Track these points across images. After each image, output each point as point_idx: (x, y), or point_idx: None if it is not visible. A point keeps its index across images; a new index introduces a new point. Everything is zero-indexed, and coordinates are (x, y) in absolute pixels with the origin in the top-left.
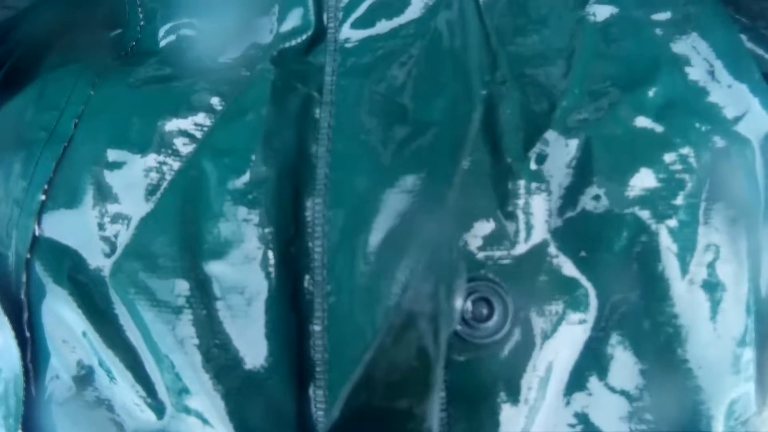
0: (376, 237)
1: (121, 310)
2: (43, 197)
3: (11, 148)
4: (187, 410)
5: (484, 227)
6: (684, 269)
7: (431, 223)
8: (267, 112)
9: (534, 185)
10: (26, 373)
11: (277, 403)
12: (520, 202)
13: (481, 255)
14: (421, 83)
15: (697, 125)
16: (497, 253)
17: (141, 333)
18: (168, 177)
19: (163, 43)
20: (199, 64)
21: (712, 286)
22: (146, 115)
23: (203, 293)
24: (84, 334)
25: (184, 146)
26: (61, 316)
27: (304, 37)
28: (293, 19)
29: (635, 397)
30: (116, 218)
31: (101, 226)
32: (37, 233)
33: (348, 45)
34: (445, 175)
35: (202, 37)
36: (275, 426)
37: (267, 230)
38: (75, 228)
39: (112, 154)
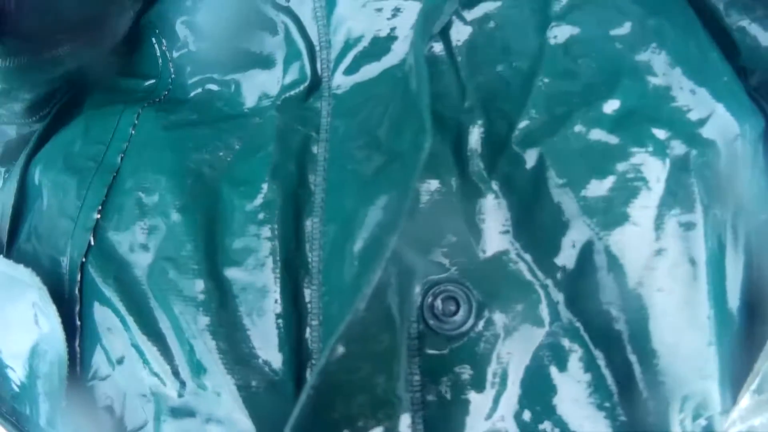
0: (359, 246)
1: (154, 304)
2: (97, 216)
3: (62, 172)
4: (204, 387)
5: (452, 238)
6: (633, 274)
7: (399, 232)
8: (273, 150)
9: (496, 201)
10: (73, 356)
11: (281, 383)
12: (484, 216)
13: (448, 261)
14: (394, 119)
15: (656, 132)
16: (463, 259)
17: (170, 323)
18: (192, 199)
19: (191, 94)
20: (221, 113)
21: (661, 290)
22: (178, 151)
23: (222, 292)
24: (124, 323)
25: (207, 174)
26: (107, 308)
27: (302, 87)
28: (293, 73)
29: (595, 387)
30: (152, 230)
31: (140, 237)
32: (92, 243)
33: (339, 91)
34: (407, 193)
35: (223, 91)
36: (280, 402)
37: (274, 243)
38: (121, 239)
39: (150, 181)
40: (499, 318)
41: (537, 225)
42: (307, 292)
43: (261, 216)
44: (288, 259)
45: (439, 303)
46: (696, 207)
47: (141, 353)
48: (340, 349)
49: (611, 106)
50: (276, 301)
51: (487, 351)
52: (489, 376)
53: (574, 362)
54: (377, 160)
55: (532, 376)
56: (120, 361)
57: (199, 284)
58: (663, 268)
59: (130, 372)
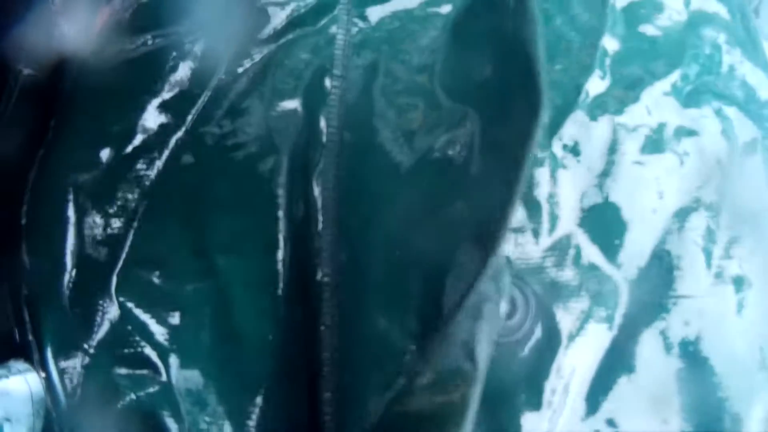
0: (395, 229)
1: (133, 324)
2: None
3: None
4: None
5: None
6: (709, 263)
7: (470, 218)
8: (276, 92)
9: (559, 172)
10: None
11: (288, 401)
12: (544, 190)
13: (506, 249)
14: (449, 64)
15: (725, 113)
16: (522, 247)
17: (157, 345)
18: (157, 166)
19: None
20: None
21: (737, 281)
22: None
23: (218, 291)
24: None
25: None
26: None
27: (311, 3)
28: None
29: (662, 399)
30: (106, 225)
31: (91, 236)
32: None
33: (362, 16)
34: (520, 167)
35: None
36: (288, 422)
37: (280, 213)
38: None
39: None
40: (562, 322)
41: (610, 202)
42: (319, 284)
43: (263, 174)
44: (297, 239)
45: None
46: (764, 194)
47: (125, 388)
48: (414, 399)
49: (680, 78)
50: (282, 298)
51: (546, 363)
52: (547, 394)
53: (643, 369)
54: (425, 113)
55: (599, 387)
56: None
57: (187, 287)
58: (737, 258)
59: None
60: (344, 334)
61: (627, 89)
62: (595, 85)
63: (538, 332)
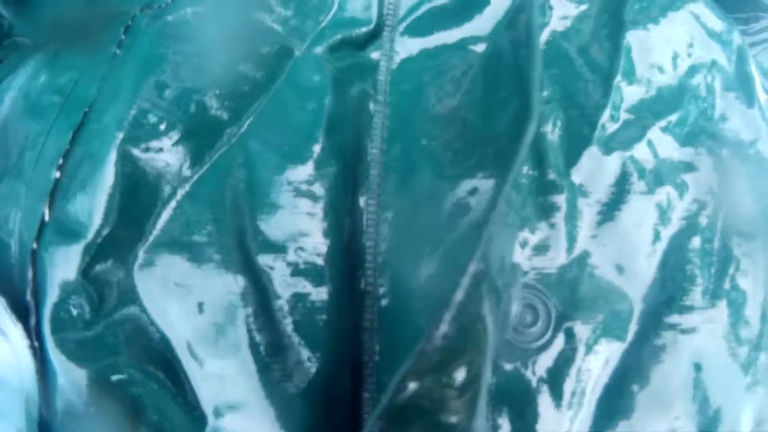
0: (434, 242)
1: (150, 313)
2: (57, 174)
3: (21, 116)
4: (234, 421)
5: (529, 237)
6: (707, 281)
7: (490, 231)
8: (330, 102)
9: (575, 199)
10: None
11: (332, 408)
12: (562, 214)
13: (526, 263)
14: (482, 97)
15: (718, 150)
16: (541, 263)
17: (179, 337)
18: (209, 156)
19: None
20: (241, 23)
21: (733, 296)
22: (180, 79)
23: (259, 291)
24: (105, 339)
25: (225, 119)
26: (74, 318)
27: (364, 29)
28: (354, 7)
29: (669, 405)
30: (146, 199)
31: (127, 209)
32: (46, 218)
33: (404, 47)
34: (504, 181)
35: None
36: (330, 420)
37: (329, 225)
38: (94, 211)
39: (140, 122)
40: (580, 330)
41: (621, 229)
42: (363, 292)
43: (314, 188)
44: (344, 247)
45: (515, 311)
46: (755, 218)
47: (134, 380)
48: (411, 386)
49: (679, 120)
50: (329, 304)
51: (566, 367)
52: (566, 396)
53: (656, 379)
54: (459, 142)
55: (612, 393)
56: (98, 391)
57: (227, 281)
58: (733, 275)
59: (117, 407)
60: (384, 339)
61: (636, 128)
62: (608, 123)
63: (558, 340)
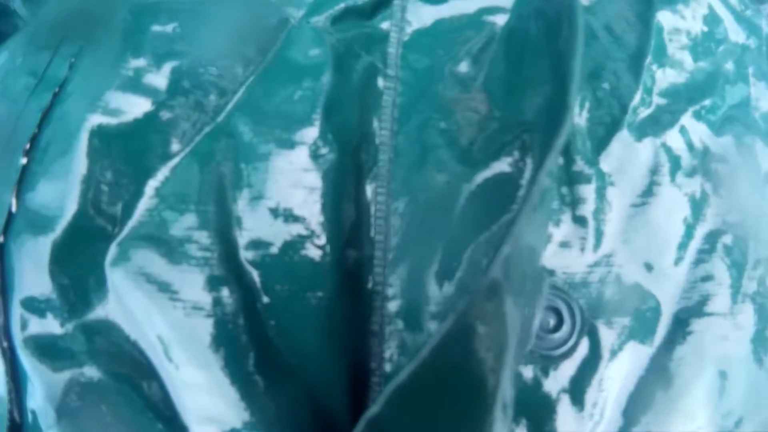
0: (452, 237)
1: (126, 310)
2: (23, 160)
3: None
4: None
5: (553, 232)
6: (736, 284)
7: (515, 228)
8: (329, 79)
9: (604, 190)
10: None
11: (329, 419)
12: (590, 206)
13: (549, 261)
14: (504, 77)
15: (751, 141)
16: (567, 261)
17: (156, 339)
18: (190, 137)
19: None
20: None
21: (761, 299)
22: (160, 53)
23: (243, 291)
24: (76, 339)
25: (210, 98)
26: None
27: None
28: None
29: (693, 412)
30: (119, 187)
31: (99, 198)
32: (13, 209)
33: (417, 16)
34: (539, 174)
35: None
36: (335, 428)
37: (326, 218)
38: (65, 200)
39: (114, 100)
40: (604, 336)
41: (651, 224)
42: (370, 292)
43: (310, 177)
44: (346, 242)
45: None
46: None
47: (108, 389)
48: (419, 392)
49: (713, 107)
50: (327, 304)
51: (589, 376)
52: (588, 407)
53: (678, 386)
54: (480, 123)
55: (637, 402)
56: (70, 401)
57: (209, 279)
58: (762, 277)
59: (89, 420)
60: (393, 344)
61: (668, 114)
62: (638, 105)
63: (582, 346)
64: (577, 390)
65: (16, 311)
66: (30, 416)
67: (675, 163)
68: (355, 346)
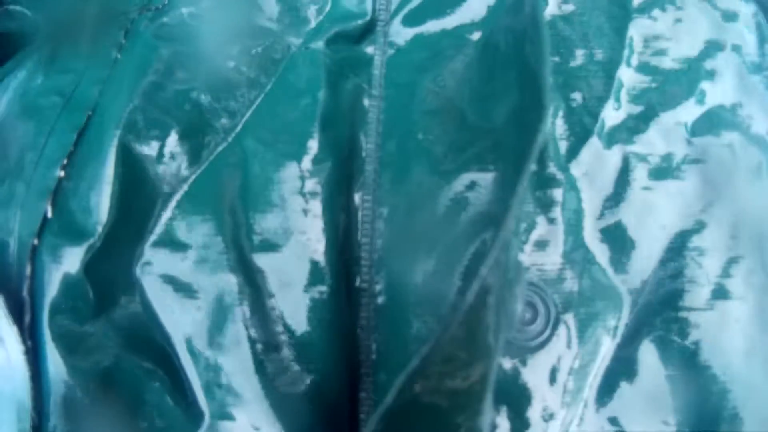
0: (431, 238)
1: (153, 308)
2: (60, 174)
3: (18, 117)
4: (231, 417)
5: (532, 233)
6: (709, 280)
7: (492, 227)
8: (324, 97)
9: (575, 194)
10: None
11: (331, 407)
12: (561, 209)
13: (526, 260)
14: (477, 88)
15: (729, 140)
16: (540, 259)
17: (179, 334)
18: (205, 156)
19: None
20: (235, 23)
21: (737, 297)
22: (177, 80)
23: (254, 289)
24: (105, 335)
25: (222, 121)
26: (74, 314)
27: (359, 22)
28: (350, 3)
29: (662, 402)
30: (147, 199)
31: (128, 208)
32: (49, 215)
33: (398, 38)
34: (518, 179)
35: None
36: (327, 419)
37: (325, 222)
38: (96, 210)
39: (136, 122)
40: (575, 327)
41: (619, 225)
42: (359, 289)
43: (310, 185)
44: (340, 245)
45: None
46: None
47: (134, 378)
48: (417, 387)
49: (690, 108)
50: (326, 301)
51: (563, 365)
52: (563, 394)
53: (644, 375)
54: (456, 135)
55: (604, 391)
56: (97, 390)
57: (224, 280)
58: (738, 275)
59: (113, 409)
60: (380, 337)
61: (639, 120)
62: (610, 115)
63: (556, 337)
64: (553, 378)
65: (46, 308)
66: (51, 419)
67: (645, 168)
68: (347, 339)
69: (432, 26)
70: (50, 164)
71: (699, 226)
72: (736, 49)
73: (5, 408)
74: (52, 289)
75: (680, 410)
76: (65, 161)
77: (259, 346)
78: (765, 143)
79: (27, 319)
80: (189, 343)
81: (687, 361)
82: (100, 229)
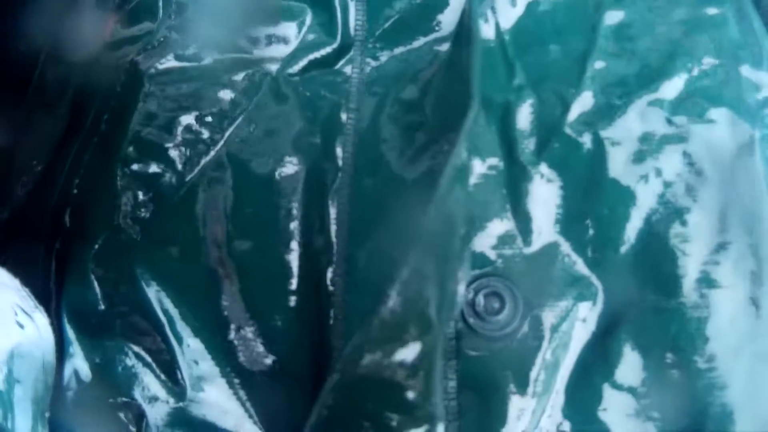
0: (391, 234)
1: (146, 295)
2: (74, 191)
3: None
4: (206, 394)
5: (498, 227)
6: (694, 268)
7: (440, 218)
8: (297, 121)
9: (547, 187)
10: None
11: (297, 390)
12: (533, 203)
13: (493, 252)
14: (440, 95)
15: (715, 116)
16: (510, 251)
17: (166, 318)
18: (190, 168)
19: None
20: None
21: (725, 285)
22: (167, 109)
23: (230, 280)
24: (108, 318)
25: (208, 136)
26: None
27: (330, 49)
28: (320, 31)
29: (641, 395)
30: (140, 205)
31: (127, 212)
32: (67, 223)
33: (373, 57)
34: (458, 171)
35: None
36: (295, 412)
37: (295, 223)
38: (104, 220)
39: (139, 145)
40: (546, 317)
41: (592, 214)
42: (330, 283)
43: (283, 190)
44: (310, 242)
45: (481, 299)
46: (758, 199)
47: (129, 356)
48: (367, 357)
49: (669, 87)
50: (294, 291)
51: (532, 355)
52: (531, 383)
53: (623, 367)
54: (420, 137)
55: (577, 383)
56: (100, 368)
57: (203, 272)
58: (724, 262)
59: (114, 381)
60: (351, 326)
61: (613, 104)
62: (582, 102)
63: (525, 328)
64: (520, 368)
65: (65, 297)
66: (67, 376)
67: (620, 153)
68: (319, 328)
69: (406, 42)
70: (68, 181)
71: (682, 211)
72: (716, 26)
73: (34, 367)
74: (70, 283)
75: (661, 406)
76: (77, 181)
77: (229, 329)
78: (755, 116)
79: (53, 305)
80: (174, 326)
81: (667, 355)
82: (105, 234)
